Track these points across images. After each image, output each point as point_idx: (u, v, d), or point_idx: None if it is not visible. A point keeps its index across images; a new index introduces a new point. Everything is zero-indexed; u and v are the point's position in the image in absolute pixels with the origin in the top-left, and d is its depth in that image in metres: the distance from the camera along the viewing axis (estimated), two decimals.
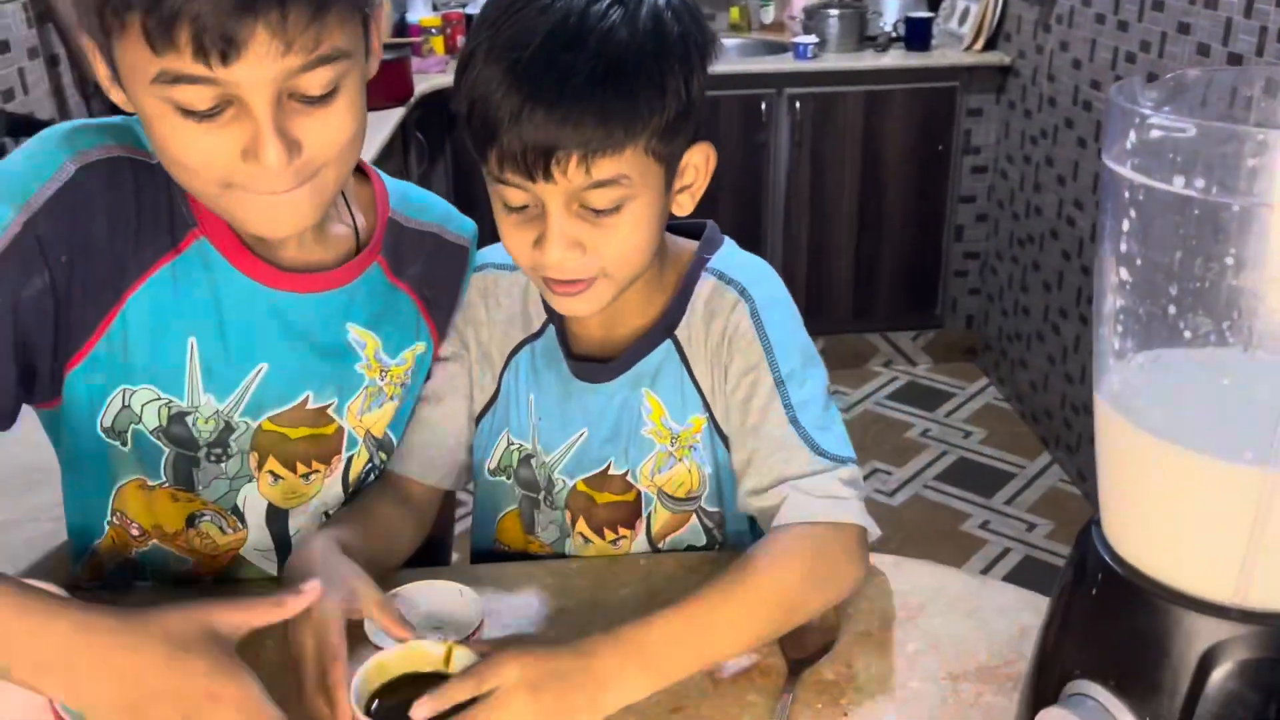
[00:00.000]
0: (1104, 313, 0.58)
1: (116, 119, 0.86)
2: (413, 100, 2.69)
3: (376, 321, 0.95)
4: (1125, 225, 0.53)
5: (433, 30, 3.10)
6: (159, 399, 0.86)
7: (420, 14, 3.17)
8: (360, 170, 0.96)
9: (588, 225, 0.81)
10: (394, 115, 2.53)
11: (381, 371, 0.96)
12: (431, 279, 0.98)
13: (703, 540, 1.01)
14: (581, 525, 1.01)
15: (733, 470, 0.95)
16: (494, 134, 0.78)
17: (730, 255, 0.97)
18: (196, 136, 0.73)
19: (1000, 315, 3.19)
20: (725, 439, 0.95)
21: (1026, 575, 2.38)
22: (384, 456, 1.00)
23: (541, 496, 1.01)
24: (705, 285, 0.94)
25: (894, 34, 3.13)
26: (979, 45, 3.06)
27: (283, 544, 0.97)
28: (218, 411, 0.89)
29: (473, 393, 1.02)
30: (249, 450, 0.91)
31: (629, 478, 0.98)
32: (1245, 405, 0.54)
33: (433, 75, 2.94)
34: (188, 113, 0.72)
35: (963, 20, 3.15)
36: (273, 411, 0.91)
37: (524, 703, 0.71)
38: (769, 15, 3.34)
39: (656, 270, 0.94)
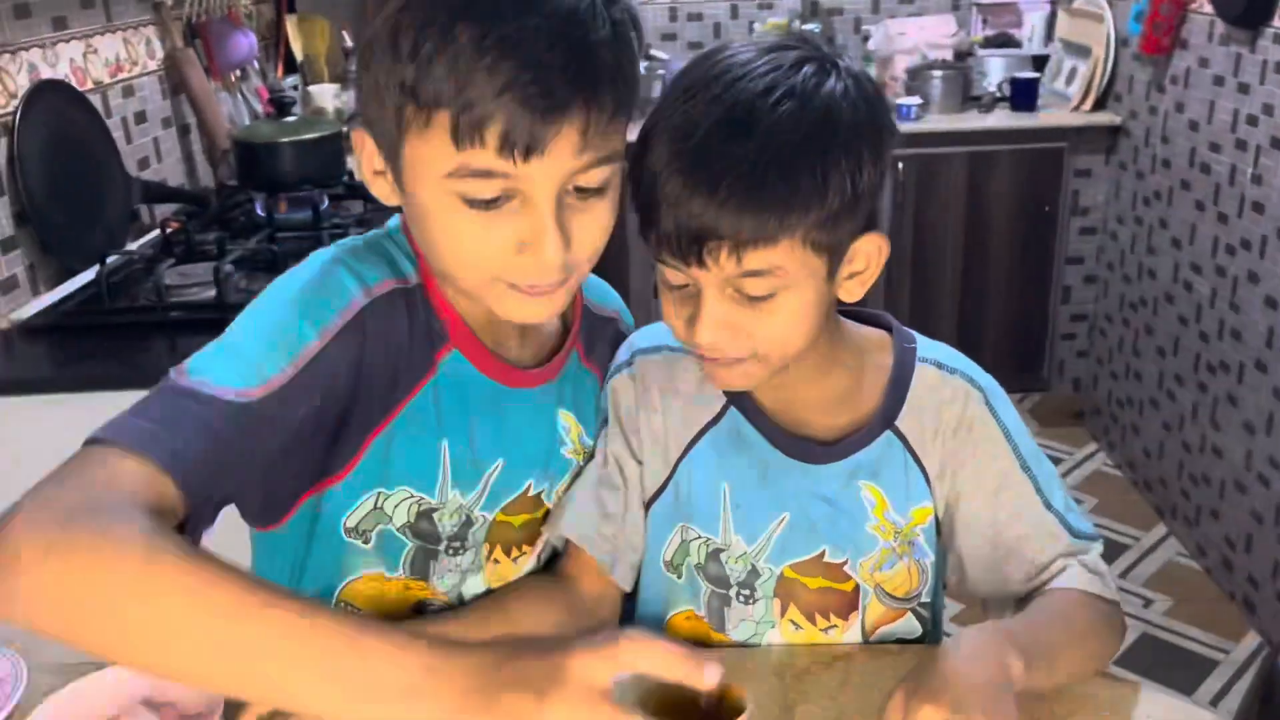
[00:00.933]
0: None
1: (373, 235, 0.89)
2: None
3: (577, 405, 0.98)
4: None
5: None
6: (411, 497, 0.88)
7: None
8: None
9: (741, 309, 0.82)
10: None
11: (584, 455, 0.99)
12: (610, 360, 1.02)
13: (917, 632, 0.99)
14: (792, 611, 0.97)
15: (961, 561, 0.95)
16: (653, 216, 0.80)
17: (935, 345, 0.98)
18: (477, 228, 0.76)
19: (1110, 379, 3.10)
20: (940, 530, 0.96)
21: (1145, 654, 2.28)
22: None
23: (734, 592, 0.96)
24: (925, 374, 0.94)
25: (999, 94, 3.10)
26: (1088, 105, 3.00)
27: None
28: (461, 506, 0.91)
29: (643, 479, 0.97)
30: (483, 542, 0.93)
31: (847, 568, 0.95)
32: None
33: None
34: (472, 203, 0.75)
35: (1070, 80, 3.10)
36: (505, 503, 0.93)
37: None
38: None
39: (844, 354, 0.94)
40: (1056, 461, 3.08)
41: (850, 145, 0.79)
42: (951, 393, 0.93)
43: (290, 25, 2.99)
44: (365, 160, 0.82)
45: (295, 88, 2.82)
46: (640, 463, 0.97)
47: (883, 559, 0.95)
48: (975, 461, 0.93)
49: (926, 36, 3.23)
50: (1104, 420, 3.14)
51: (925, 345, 0.97)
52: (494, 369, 0.90)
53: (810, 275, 0.82)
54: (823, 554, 0.95)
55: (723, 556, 0.95)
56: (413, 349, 0.86)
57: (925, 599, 0.98)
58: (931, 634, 1.01)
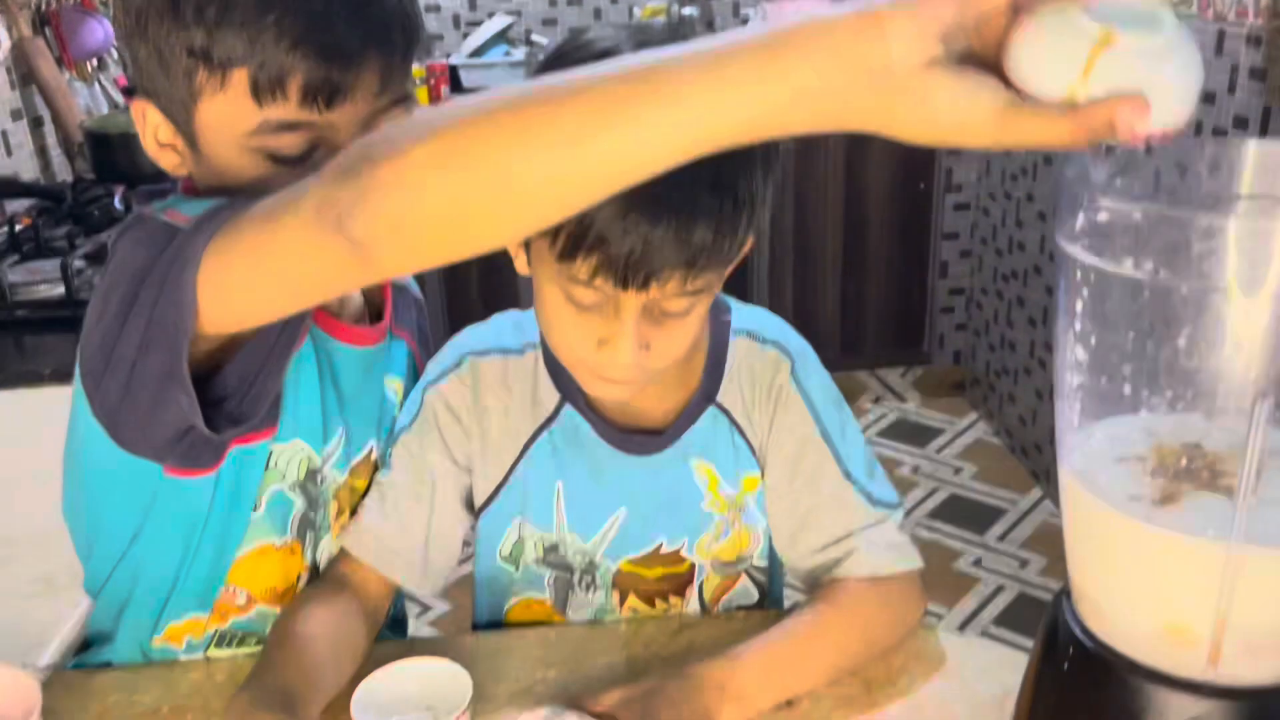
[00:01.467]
0: (1063, 388, 0.58)
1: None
2: None
3: (393, 369, 1.00)
4: (1079, 305, 0.53)
5: (416, 82, 3.13)
6: (304, 451, 0.90)
7: None
8: None
9: (655, 327, 0.80)
10: None
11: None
12: (417, 329, 1.04)
13: (754, 597, 1.01)
14: (632, 600, 0.98)
15: (768, 531, 0.97)
16: (595, 243, 0.74)
17: (748, 312, 0.99)
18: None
19: (987, 350, 3.20)
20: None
21: (1021, 613, 2.37)
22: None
23: (577, 578, 0.98)
24: (739, 346, 0.96)
25: None
26: None
27: None
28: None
29: (472, 485, 0.97)
30: (330, 501, 0.95)
31: (683, 551, 0.97)
32: (1203, 484, 0.54)
33: None
34: (279, 159, 0.76)
35: None
36: (352, 463, 0.95)
37: None
38: None
39: None
40: (939, 432, 3.18)
41: (770, 158, 0.80)
42: (764, 364, 0.95)
43: None
44: (149, 132, 0.81)
45: None
46: (467, 469, 0.96)
47: (718, 532, 0.97)
48: (780, 430, 0.94)
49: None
50: (983, 390, 3.25)
51: (740, 315, 0.98)
52: (333, 326, 0.92)
53: (719, 281, 0.83)
54: (659, 547, 0.96)
55: (560, 549, 0.97)
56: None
57: (758, 562, 1.00)
58: (771, 595, 1.03)
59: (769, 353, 0.96)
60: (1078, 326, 0.54)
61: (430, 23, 3.55)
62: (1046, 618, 0.65)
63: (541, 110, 0.52)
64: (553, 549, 0.97)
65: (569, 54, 0.79)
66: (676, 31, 0.80)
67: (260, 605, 0.95)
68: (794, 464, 0.94)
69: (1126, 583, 0.58)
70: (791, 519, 0.95)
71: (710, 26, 3.42)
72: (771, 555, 1.01)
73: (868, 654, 0.89)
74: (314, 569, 0.96)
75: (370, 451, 0.97)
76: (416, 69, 3.14)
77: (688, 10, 3.34)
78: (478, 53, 3.34)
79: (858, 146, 3.04)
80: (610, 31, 0.80)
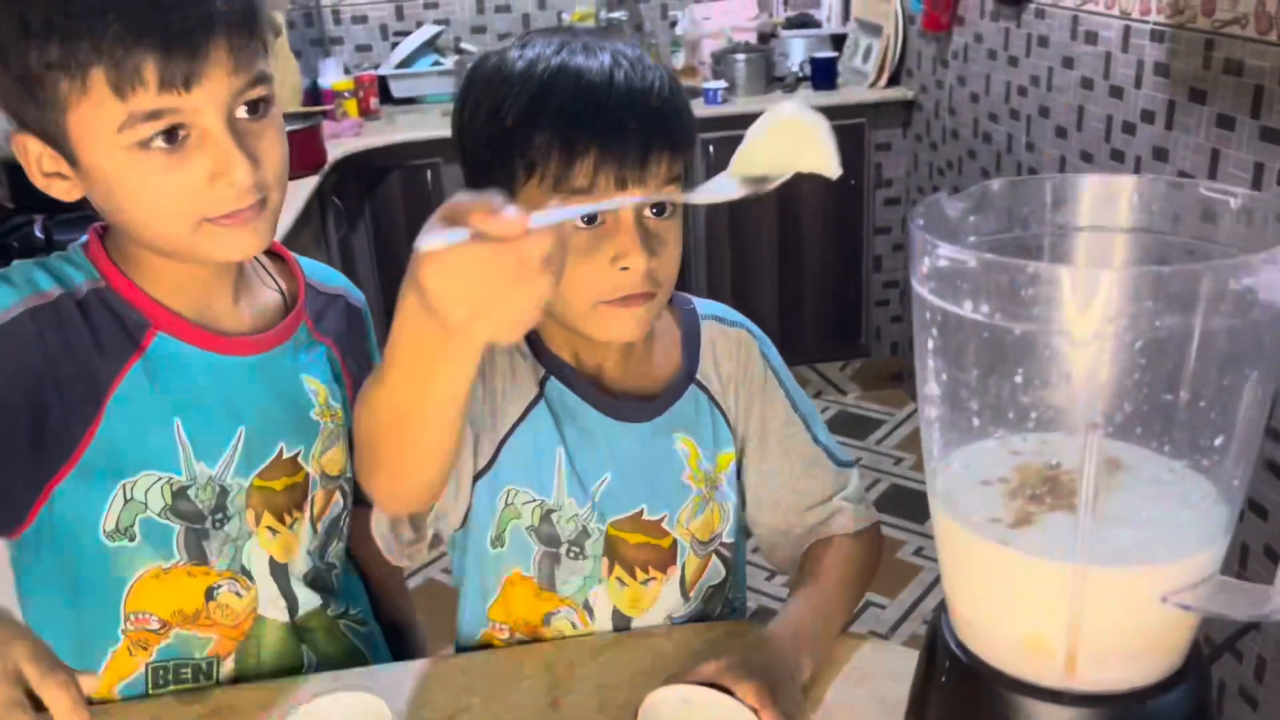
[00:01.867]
0: (924, 419, 0.61)
1: (49, 258, 0.92)
2: (327, 167, 2.70)
3: (318, 371, 1.03)
4: (930, 343, 0.56)
5: (345, 94, 3.12)
6: (159, 479, 0.92)
7: (332, 78, 3.18)
8: (278, 254, 1.06)
9: (649, 235, 0.87)
10: (309, 183, 2.54)
11: (331, 416, 1.03)
12: (343, 334, 1.08)
13: (722, 575, 1.06)
14: (617, 569, 1.00)
15: (748, 501, 1.04)
16: (586, 144, 0.83)
17: (707, 302, 1.08)
18: (162, 174, 0.82)
19: None
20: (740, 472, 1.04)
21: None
22: (341, 493, 1.05)
23: (564, 549, 0.99)
24: (710, 329, 1.04)
25: (801, 74, 3.21)
26: (882, 82, 3.14)
27: (289, 596, 1.01)
28: (211, 478, 0.94)
29: (476, 449, 0.95)
30: (245, 509, 0.96)
31: (665, 524, 1.01)
32: (1053, 507, 0.58)
33: (347, 139, 2.95)
34: (152, 149, 0.80)
35: (866, 58, 3.24)
36: (259, 468, 0.97)
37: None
38: (679, 61, 3.40)
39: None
40: (879, 423, 3.24)
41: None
42: (735, 343, 1.04)
43: None
44: (33, 165, 0.85)
45: None
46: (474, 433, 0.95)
47: (695, 508, 1.02)
48: (759, 405, 1.03)
49: (731, 20, 3.31)
50: None
51: (702, 304, 1.06)
52: (208, 342, 0.94)
53: (679, 190, 0.90)
54: (641, 512, 1.00)
55: (554, 517, 0.98)
56: (102, 344, 0.90)
57: (726, 539, 1.05)
58: (735, 575, 1.08)
59: (736, 332, 1.04)
60: (930, 363, 0.57)
61: (358, 33, 3.53)
62: (928, 631, 0.68)
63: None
64: (547, 516, 0.98)
65: (486, 77, 0.89)
66: (604, 35, 0.87)
67: (175, 629, 0.96)
68: (774, 435, 1.03)
69: (989, 598, 0.61)
70: (774, 486, 1.04)
71: (639, 29, 3.44)
72: (736, 535, 1.06)
73: (862, 598, 1.02)
74: (245, 573, 0.98)
75: (281, 452, 0.98)
76: (345, 81, 3.13)
77: (616, 14, 3.36)
78: (406, 62, 3.34)
79: None
80: (539, 46, 0.88)
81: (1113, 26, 2.12)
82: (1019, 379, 0.53)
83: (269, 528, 0.98)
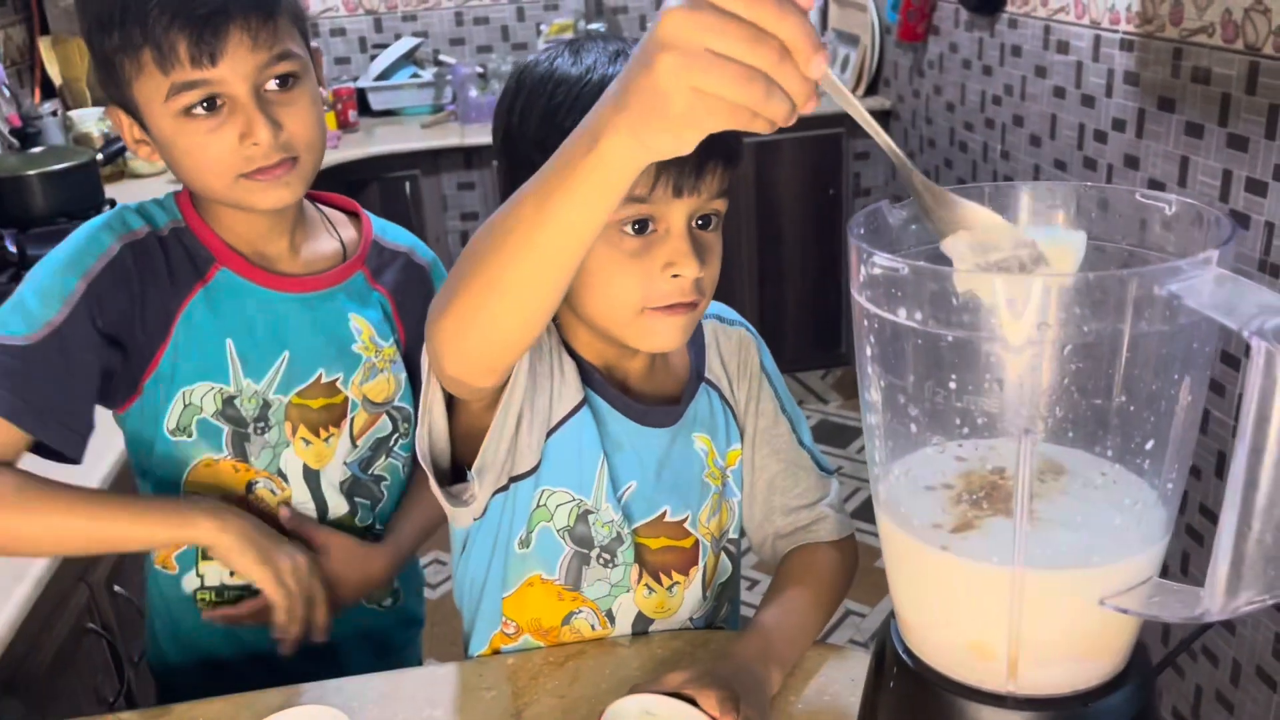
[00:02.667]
0: (866, 426, 0.61)
1: (141, 202, 1.09)
2: None
3: (366, 313, 1.16)
4: (869, 350, 0.57)
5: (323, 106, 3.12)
6: (212, 388, 1.08)
7: None
8: (354, 211, 1.21)
9: (698, 244, 0.88)
10: None
11: (376, 351, 1.16)
12: (401, 287, 1.19)
13: (729, 573, 1.09)
14: (645, 577, 1.01)
15: (744, 496, 1.07)
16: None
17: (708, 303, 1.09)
18: (204, 136, 0.98)
19: None
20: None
21: None
22: (389, 418, 1.17)
23: (595, 554, 0.99)
24: (711, 329, 1.06)
25: None
26: (860, 91, 3.16)
27: (319, 498, 1.15)
28: (256, 392, 1.10)
29: (520, 445, 0.93)
30: (284, 421, 1.11)
31: (688, 525, 1.02)
32: (994, 512, 0.58)
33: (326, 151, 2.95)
34: (194, 116, 0.97)
35: (844, 68, 3.26)
36: (298, 388, 1.11)
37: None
38: None
39: None
40: (860, 432, 3.25)
41: None
42: (736, 342, 1.06)
43: (44, 47, 2.83)
44: (126, 134, 1.03)
45: (55, 113, 2.68)
46: (529, 422, 0.93)
47: (713, 507, 1.04)
48: (755, 404, 1.06)
49: None
50: None
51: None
52: (264, 279, 1.09)
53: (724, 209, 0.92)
54: (664, 514, 1.01)
55: (591, 519, 0.97)
56: (177, 274, 1.06)
57: (733, 535, 1.08)
58: (736, 573, 1.10)
59: (736, 331, 1.07)
60: (869, 370, 0.58)
61: (337, 46, 3.54)
62: (877, 637, 0.68)
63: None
64: (584, 517, 0.97)
65: (538, 80, 0.88)
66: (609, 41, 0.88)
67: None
68: (763, 434, 1.06)
69: (932, 604, 0.61)
70: (759, 483, 1.06)
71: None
72: (739, 532, 1.08)
73: (838, 607, 1.03)
74: (280, 475, 1.12)
75: (320, 377, 1.12)
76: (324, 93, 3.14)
77: (595, 26, 3.38)
78: (384, 75, 3.34)
79: (768, 156, 3.10)
80: (594, 54, 0.87)
81: (1084, 36, 2.14)
82: (953, 385, 0.53)
83: (303, 439, 1.12)
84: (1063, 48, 2.23)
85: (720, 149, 0.84)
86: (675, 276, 0.87)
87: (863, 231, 0.58)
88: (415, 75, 3.38)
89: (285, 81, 1.00)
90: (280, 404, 1.11)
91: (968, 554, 0.57)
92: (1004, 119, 2.51)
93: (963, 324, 0.51)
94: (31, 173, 2.03)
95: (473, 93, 3.18)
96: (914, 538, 0.59)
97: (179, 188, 1.09)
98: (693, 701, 0.85)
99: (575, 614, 1.01)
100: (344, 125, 3.17)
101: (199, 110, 0.97)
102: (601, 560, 0.99)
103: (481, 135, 3.09)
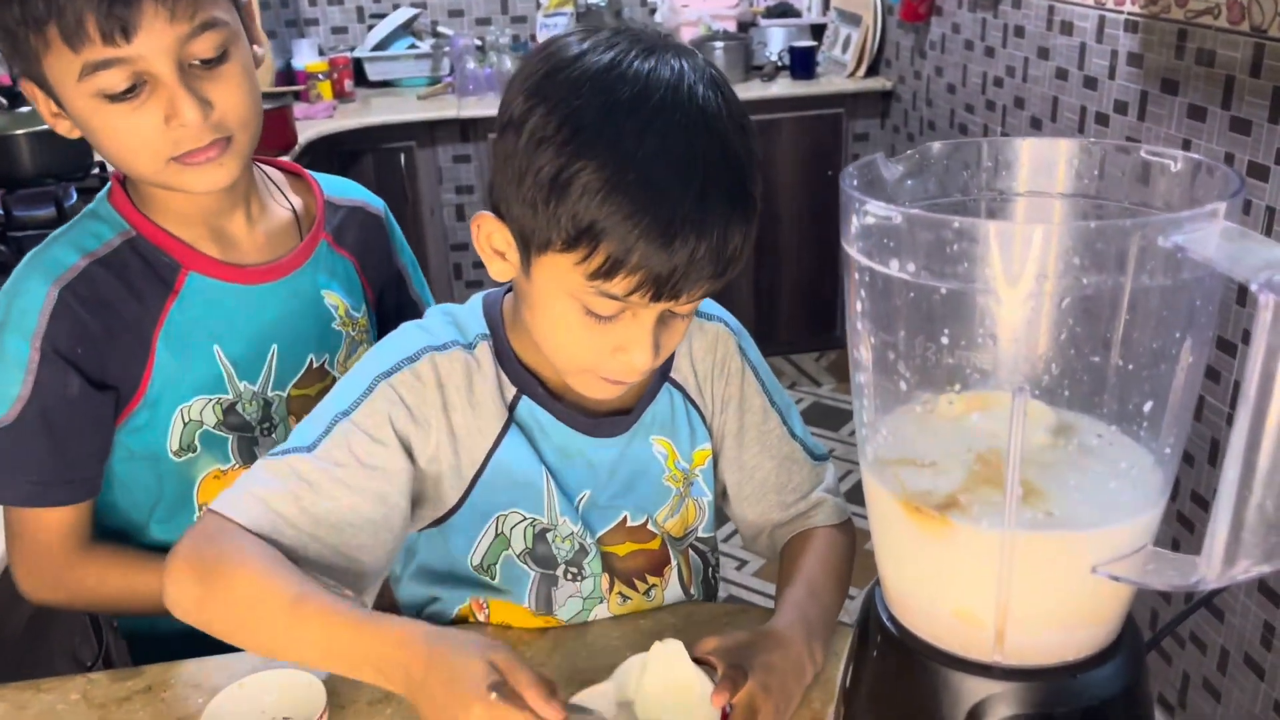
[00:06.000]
0: (855, 385, 0.59)
1: (73, 221, 1.00)
2: (298, 147, 2.66)
3: (336, 284, 1.11)
4: (859, 305, 0.55)
5: (319, 75, 3.08)
6: (210, 400, 1.03)
7: (306, 59, 3.14)
8: (295, 173, 1.15)
9: (663, 328, 0.82)
10: None
11: (352, 325, 1.13)
12: (362, 245, 1.15)
13: (701, 571, 1.05)
14: (618, 585, 0.99)
15: (728, 494, 1.04)
16: (638, 265, 0.74)
17: None
18: (126, 119, 0.89)
19: None
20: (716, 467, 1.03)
21: None
22: None
23: (562, 571, 0.96)
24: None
25: (779, 63, 3.19)
26: (861, 72, 3.13)
27: None
28: (254, 394, 1.05)
29: (440, 485, 0.91)
30: (287, 416, 1.07)
31: (649, 526, 0.99)
32: (982, 475, 0.56)
33: (320, 121, 2.92)
34: (113, 99, 0.87)
35: (845, 48, 3.22)
36: (293, 379, 1.07)
37: (769, 706, 0.80)
38: None
39: None
40: (852, 415, 3.23)
41: (754, 155, 0.79)
42: (712, 338, 1.00)
43: None
44: (42, 109, 0.93)
45: None
46: (428, 472, 0.90)
47: (673, 506, 1.00)
48: (737, 400, 1.01)
49: (710, 7, 3.29)
50: None
51: None
52: (234, 275, 1.03)
53: None
54: (624, 519, 0.98)
55: (549, 536, 0.94)
56: (144, 292, 0.99)
57: (703, 534, 1.04)
58: (713, 568, 1.07)
59: (713, 326, 1.00)
60: (859, 326, 0.56)
61: (334, 15, 3.50)
62: (861, 605, 0.67)
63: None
64: (541, 536, 0.94)
65: (559, 71, 0.76)
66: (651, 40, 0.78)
67: None
68: (752, 430, 1.01)
69: (919, 569, 0.59)
70: (754, 480, 1.02)
71: (618, 16, 3.42)
72: (711, 529, 1.05)
73: (848, 588, 1.00)
74: None
75: (310, 363, 1.08)
76: (320, 63, 3.10)
77: (595, 1, 3.34)
78: (382, 45, 3.30)
79: (767, 136, 3.07)
80: (604, 36, 0.78)
81: (1088, 17, 2.12)
82: (946, 340, 0.51)
83: None
84: (1066, 29, 2.21)
85: (721, 265, 0.75)
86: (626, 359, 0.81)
87: (856, 183, 0.56)
88: (413, 46, 3.34)
89: (212, 53, 0.90)
90: (280, 399, 1.07)
91: (957, 516, 0.55)
92: (1005, 101, 2.49)
93: (957, 275, 0.49)
94: (19, 132, 2.00)
95: (470, 65, 3.15)
96: (897, 500, 0.57)
97: None
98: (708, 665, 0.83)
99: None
100: (340, 95, 3.14)
101: (117, 90, 0.87)
102: (569, 576, 0.96)
103: (478, 108, 3.06)
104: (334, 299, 1.11)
